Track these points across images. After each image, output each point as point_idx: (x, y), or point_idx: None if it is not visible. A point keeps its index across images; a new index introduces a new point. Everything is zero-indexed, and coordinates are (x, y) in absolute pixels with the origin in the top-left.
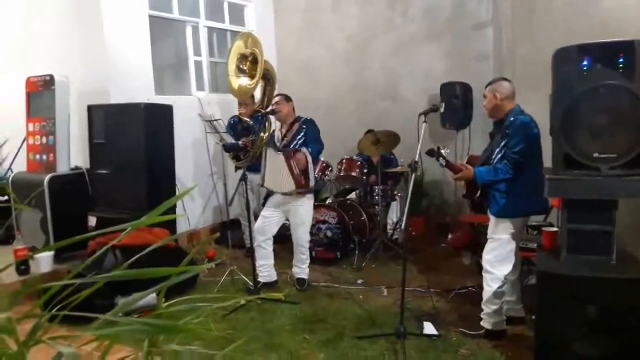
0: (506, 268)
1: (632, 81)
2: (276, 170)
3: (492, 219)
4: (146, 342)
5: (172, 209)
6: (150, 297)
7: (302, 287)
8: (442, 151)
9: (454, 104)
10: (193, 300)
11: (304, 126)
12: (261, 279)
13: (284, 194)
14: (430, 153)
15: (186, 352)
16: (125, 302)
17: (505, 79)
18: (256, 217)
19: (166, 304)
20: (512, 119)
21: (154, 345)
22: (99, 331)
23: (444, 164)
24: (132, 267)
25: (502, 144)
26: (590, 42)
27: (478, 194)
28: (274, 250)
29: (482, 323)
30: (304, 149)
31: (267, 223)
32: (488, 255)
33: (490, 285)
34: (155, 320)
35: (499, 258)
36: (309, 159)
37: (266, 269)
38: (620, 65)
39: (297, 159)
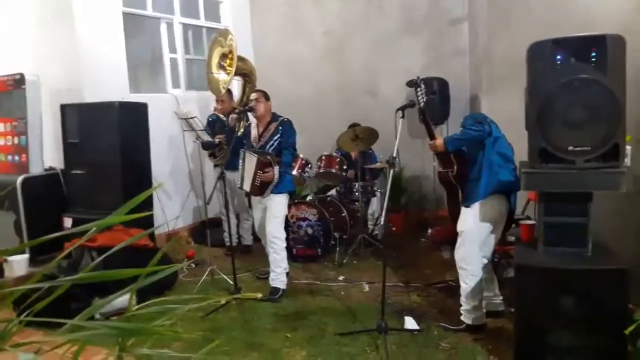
0: (479, 261)
1: (605, 74)
2: (248, 169)
3: (462, 212)
4: (117, 346)
5: (149, 209)
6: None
7: (274, 296)
8: (419, 91)
9: (431, 99)
10: (167, 302)
11: (281, 127)
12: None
13: (239, 188)
14: (410, 84)
15: (158, 356)
16: (96, 304)
17: None
18: (236, 216)
19: (137, 306)
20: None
21: (124, 349)
22: (67, 335)
23: (422, 102)
24: (109, 268)
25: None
26: (564, 37)
27: (455, 170)
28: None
29: (462, 318)
30: (275, 170)
31: (259, 224)
32: (459, 251)
33: (466, 282)
34: (123, 323)
35: (469, 252)
36: (275, 179)
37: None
38: (593, 59)
39: (265, 173)
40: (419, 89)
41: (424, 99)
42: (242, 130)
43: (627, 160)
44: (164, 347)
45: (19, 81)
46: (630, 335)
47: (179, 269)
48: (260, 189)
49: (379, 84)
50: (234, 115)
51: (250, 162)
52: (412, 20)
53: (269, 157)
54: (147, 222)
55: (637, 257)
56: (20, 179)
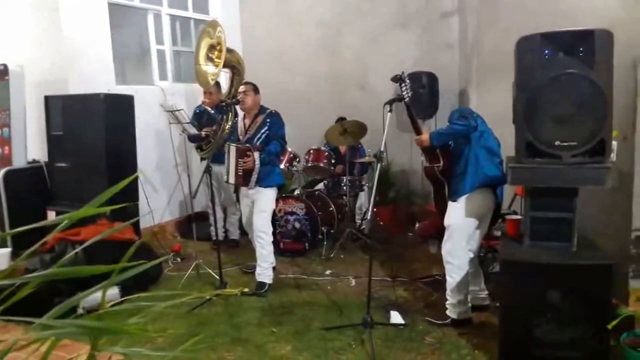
0: (466, 255)
1: (592, 69)
2: (231, 160)
3: (449, 206)
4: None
5: (134, 202)
6: (113, 293)
7: (261, 290)
8: (404, 86)
9: (420, 93)
10: (145, 299)
11: (268, 120)
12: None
13: (226, 182)
14: (394, 79)
15: (132, 354)
16: (72, 299)
17: None
18: (223, 210)
19: (111, 302)
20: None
21: (95, 347)
22: (36, 334)
23: (407, 97)
24: (93, 263)
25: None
26: (553, 31)
27: (441, 165)
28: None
29: (447, 312)
30: (255, 156)
31: (246, 218)
32: (446, 245)
33: (452, 276)
34: (91, 322)
35: (456, 246)
36: (256, 166)
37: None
38: (581, 54)
39: (245, 161)
40: (403, 84)
41: (409, 94)
42: (229, 124)
43: (613, 156)
44: (146, 343)
45: (2, 72)
46: (614, 329)
47: (165, 264)
48: (244, 178)
49: (370, 77)
50: None
51: (232, 152)
52: (403, 14)
53: (248, 145)
54: (133, 216)
55: (620, 252)
56: (2, 172)
